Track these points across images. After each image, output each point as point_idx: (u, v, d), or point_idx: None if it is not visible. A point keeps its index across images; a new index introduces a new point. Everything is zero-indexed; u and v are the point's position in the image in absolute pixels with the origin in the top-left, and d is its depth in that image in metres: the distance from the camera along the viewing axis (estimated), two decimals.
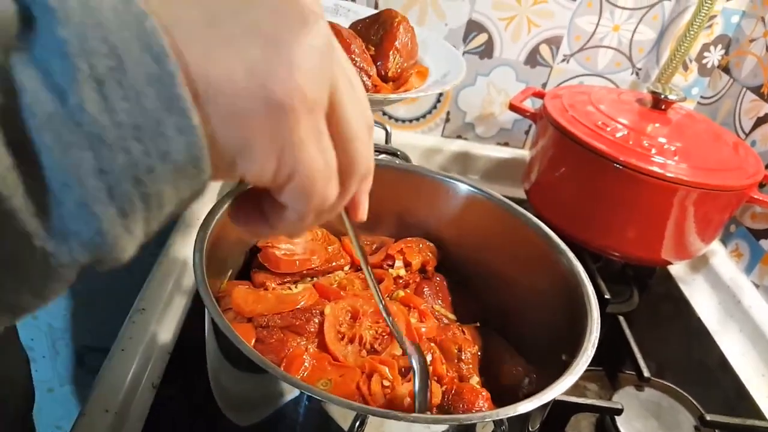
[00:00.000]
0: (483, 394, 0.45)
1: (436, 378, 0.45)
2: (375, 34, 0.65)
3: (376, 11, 0.70)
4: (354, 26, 0.67)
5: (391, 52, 0.63)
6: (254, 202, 0.26)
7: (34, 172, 0.16)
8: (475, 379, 0.48)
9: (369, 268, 0.38)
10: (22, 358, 0.65)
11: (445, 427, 0.35)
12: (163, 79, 0.17)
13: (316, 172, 0.23)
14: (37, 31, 0.16)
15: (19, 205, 0.16)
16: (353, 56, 0.58)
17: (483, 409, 0.43)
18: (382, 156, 0.77)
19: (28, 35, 0.16)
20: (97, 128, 0.16)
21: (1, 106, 0.15)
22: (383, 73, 0.64)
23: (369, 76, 0.59)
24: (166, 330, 0.61)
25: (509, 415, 0.35)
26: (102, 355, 0.57)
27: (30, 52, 0.16)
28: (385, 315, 0.39)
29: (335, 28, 0.60)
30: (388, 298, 0.53)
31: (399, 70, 0.65)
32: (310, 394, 0.36)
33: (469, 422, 0.35)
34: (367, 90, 0.58)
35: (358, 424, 0.35)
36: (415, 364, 0.41)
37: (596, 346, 0.42)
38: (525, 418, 0.38)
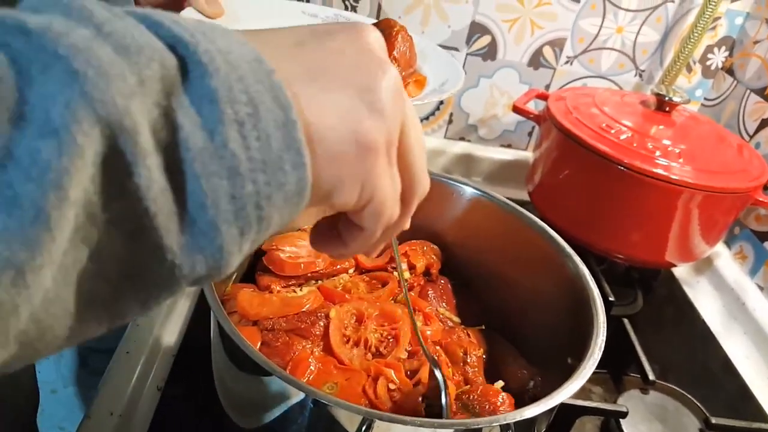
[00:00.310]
0: (503, 396, 0.45)
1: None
2: None
3: (375, 21, 0.70)
4: None
5: None
6: (330, 227, 0.30)
7: (179, 196, 0.19)
8: (500, 384, 0.48)
9: (407, 291, 0.40)
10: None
11: (451, 431, 0.35)
12: (288, 125, 0.21)
13: (388, 197, 0.26)
14: (191, 81, 0.19)
15: (164, 223, 0.19)
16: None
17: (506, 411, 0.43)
18: None
19: (185, 84, 0.19)
20: (235, 161, 0.19)
21: (164, 140, 0.19)
22: None
23: None
24: (171, 332, 0.61)
25: (516, 420, 0.35)
26: (105, 356, 0.57)
27: (187, 97, 0.19)
28: (420, 341, 0.40)
29: None
30: (392, 301, 0.53)
31: None
32: (316, 398, 0.36)
33: (476, 426, 0.35)
34: None
35: (364, 428, 0.35)
36: (440, 378, 0.42)
37: (602, 350, 0.42)
38: (532, 422, 0.38)
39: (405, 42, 0.64)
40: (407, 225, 0.30)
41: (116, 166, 0.17)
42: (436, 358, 0.44)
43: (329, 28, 0.26)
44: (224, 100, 0.19)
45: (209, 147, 0.19)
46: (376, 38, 0.26)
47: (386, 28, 0.64)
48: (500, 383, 0.48)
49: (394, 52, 0.62)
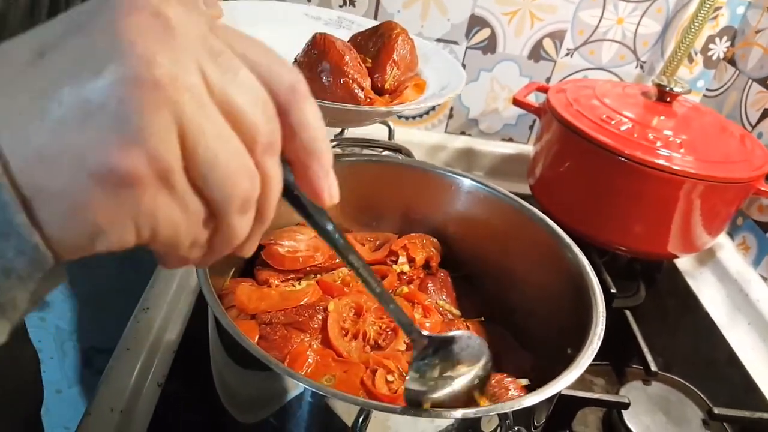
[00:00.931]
0: (517, 381, 0.44)
1: None
2: (374, 46, 0.64)
3: (375, 21, 0.70)
4: (354, 38, 0.66)
5: (388, 65, 0.62)
6: None
7: None
8: (524, 381, 0.47)
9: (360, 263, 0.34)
10: (31, 359, 0.65)
11: (450, 421, 0.35)
12: (2, 209, 0.18)
13: (178, 228, 0.21)
14: None
15: None
16: (346, 68, 0.57)
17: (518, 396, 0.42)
18: (386, 152, 0.77)
19: None
20: None
21: None
22: (380, 85, 0.63)
23: (362, 89, 0.58)
24: (171, 329, 0.61)
25: (514, 409, 0.35)
26: (110, 356, 0.57)
27: None
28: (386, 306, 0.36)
29: (329, 38, 0.59)
30: (391, 294, 0.52)
31: (396, 83, 0.64)
32: (314, 390, 0.35)
33: (474, 416, 0.34)
34: (360, 103, 0.58)
35: (362, 419, 0.34)
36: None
37: (602, 339, 0.41)
38: (530, 411, 0.38)
39: (405, 45, 0.63)
40: (241, 237, 0.24)
41: None
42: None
43: (88, 16, 0.20)
44: None
45: None
46: (139, 20, 0.19)
47: (386, 30, 0.64)
48: (525, 381, 0.47)
49: (394, 55, 0.62)
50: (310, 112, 0.24)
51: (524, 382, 0.47)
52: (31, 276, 0.19)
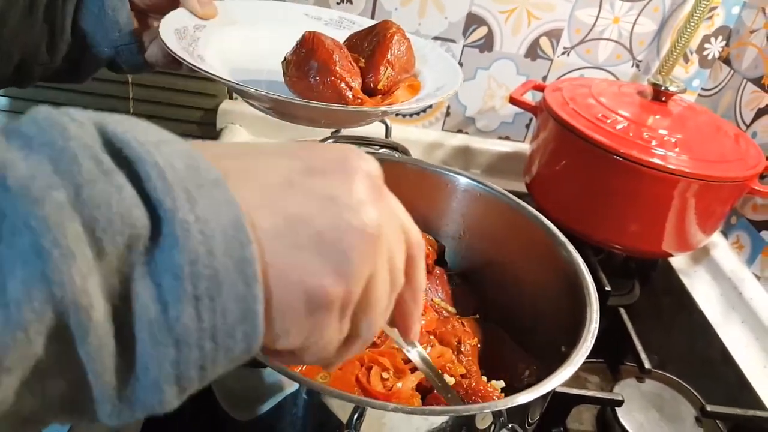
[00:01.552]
0: (493, 383, 0.45)
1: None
2: (368, 46, 0.63)
3: (373, 21, 0.68)
4: (350, 38, 0.65)
5: (382, 65, 0.60)
6: None
7: (126, 356, 0.19)
8: (500, 383, 0.48)
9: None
10: None
11: (444, 418, 0.35)
12: (248, 300, 0.21)
13: (329, 345, 0.26)
14: (160, 250, 0.19)
15: (108, 380, 0.19)
16: (334, 68, 0.56)
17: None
18: (383, 150, 0.77)
19: (153, 250, 0.19)
20: (184, 333, 0.20)
21: (119, 307, 0.19)
22: (373, 85, 0.61)
23: (350, 88, 0.57)
24: None
25: (508, 406, 0.35)
26: None
27: (150, 267, 0.19)
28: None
29: (318, 37, 0.57)
30: None
31: (391, 83, 0.61)
32: (308, 387, 0.36)
33: (467, 413, 0.35)
34: (349, 103, 0.56)
35: (356, 416, 0.35)
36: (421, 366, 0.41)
37: (596, 336, 0.42)
38: (524, 409, 0.38)
39: (401, 45, 0.62)
40: (357, 351, 0.29)
41: (67, 337, 0.18)
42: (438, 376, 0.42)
43: (325, 165, 0.25)
44: (186, 276, 0.19)
45: (161, 320, 0.19)
46: (367, 185, 0.25)
47: (382, 30, 0.63)
48: (501, 383, 0.48)
49: (388, 56, 0.61)
50: (422, 269, 0.29)
51: (501, 384, 0.48)
52: (239, 358, 0.22)
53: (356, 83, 0.58)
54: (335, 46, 0.58)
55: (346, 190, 0.24)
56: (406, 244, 0.28)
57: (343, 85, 0.56)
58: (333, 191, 0.24)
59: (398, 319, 0.31)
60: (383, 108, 0.57)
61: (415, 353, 0.39)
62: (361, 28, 0.67)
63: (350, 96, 0.56)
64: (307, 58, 0.57)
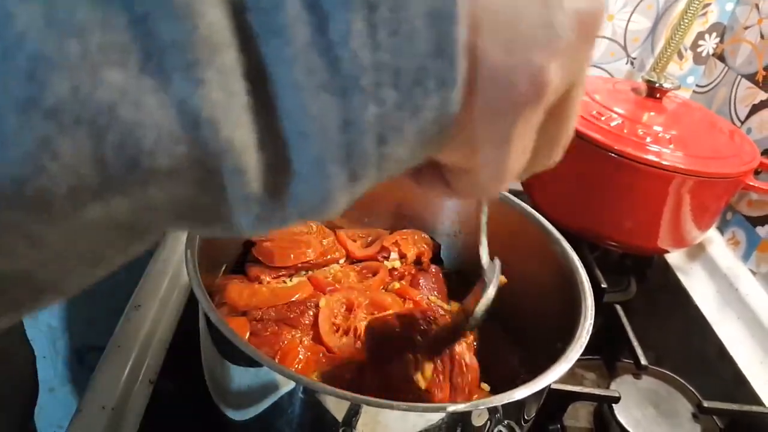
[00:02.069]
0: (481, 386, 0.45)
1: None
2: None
3: None
4: None
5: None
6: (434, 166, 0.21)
7: (270, 120, 0.13)
8: (485, 387, 0.48)
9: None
10: (28, 355, 0.65)
11: (441, 415, 0.35)
12: (443, 18, 0.14)
13: (513, 161, 0.19)
14: None
15: (251, 163, 0.13)
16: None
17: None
18: None
19: None
20: (355, 69, 0.13)
21: (244, 28, 0.12)
22: None
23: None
24: (163, 326, 0.61)
25: (503, 402, 0.35)
26: (102, 353, 0.57)
27: None
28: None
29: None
30: (383, 291, 0.53)
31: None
32: (305, 386, 0.36)
33: (463, 410, 0.35)
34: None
35: (353, 414, 0.35)
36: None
37: (591, 333, 0.42)
38: (520, 405, 0.38)
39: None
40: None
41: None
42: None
43: None
44: None
45: (318, 42, 0.13)
46: None
47: None
48: (486, 387, 0.48)
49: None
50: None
51: (486, 387, 0.47)
52: (425, 134, 0.15)
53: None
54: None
55: None
56: None
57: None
58: None
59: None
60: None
61: None
62: None
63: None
64: None
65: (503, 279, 0.43)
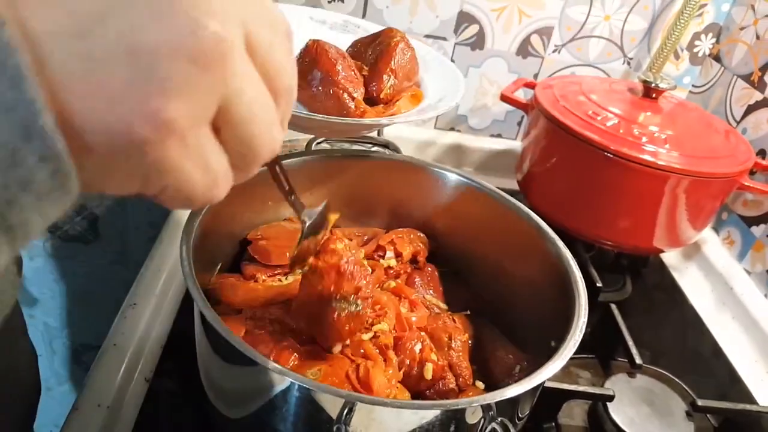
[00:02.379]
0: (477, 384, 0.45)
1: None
2: (372, 54, 0.61)
3: (382, 28, 0.65)
4: (354, 45, 0.64)
5: (385, 74, 0.59)
6: None
7: None
8: (480, 385, 0.48)
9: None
10: (30, 354, 0.65)
11: (436, 412, 0.35)
12: (21, 107, 0.16)
13: (195, 183, 0.21)
14: None
15: None
16: (337, 78, 0.55)
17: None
18: (375, 148, 0.77)
19: None
20: None
21: None
22: (375, 95, 0.60)
23: (353, 99, 0.55)
24: (159, 324, 0.61)
25: (496, 400, 0.35)
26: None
27: None
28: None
29: (322, 46, 0.56)
30: (378, 289, 0.53)
31: (393, 93, 0.60)
32: (299, 384, 0.36)
33: (456, 407, 0.35)
34: (351, 115, 0.55)
35: (347, 411, 0.35)
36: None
37: (585, 331, 0.42)
38: (514, 403, 0.38)
39: (405, 53, 0.61)
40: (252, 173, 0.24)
41: None
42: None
43: None
44: None
45: None
46: None
47: (386, 37, 0.61)
48: (481, 385, 0.49)
49: (392, 64, 0.59)
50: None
51: (481, 385, 0.48)
52: (49, 194, 0.17)
53: (359, 93, 0.56)
54: (339, 56, 0.57)
55: None
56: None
57: (345, 96, 0.55)
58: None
59: None
60: (384, 120, 0.56)
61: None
62: (367, 33, 0.65)
63: (352, 107, 0.55)
64: (310, 68, 0.56)
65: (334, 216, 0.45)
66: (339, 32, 0.68)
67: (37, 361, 0.66)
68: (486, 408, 0.36)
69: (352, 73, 0.57)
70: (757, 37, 0.85)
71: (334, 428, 0.35)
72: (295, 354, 0.43)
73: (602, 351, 0.67)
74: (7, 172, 0.16)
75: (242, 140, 0.22)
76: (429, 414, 0.35)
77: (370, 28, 0.68)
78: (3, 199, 0.16)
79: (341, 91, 0.55)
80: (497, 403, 0.36)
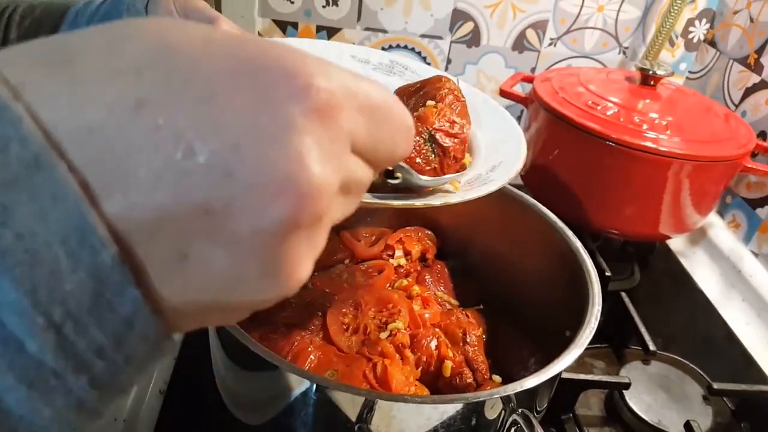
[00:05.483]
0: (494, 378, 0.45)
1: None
2: (414, 108, 0.48)
3: (434, 73, 0.54)
4: (398, 92, 0.52)
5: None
6: None
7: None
8: (498, 379, 0.48)
9: None
10: None
11: (458, 406, 0.35)
12: (125, 306, 0.16)
13: (312, 258, 0.19)
14: None
15: None
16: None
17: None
18: None
19: None
20: (59, 362, 0.15)
21: None
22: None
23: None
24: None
25: (516, 391, 0.35)
26: None
27: None
28: None
29: None
30: (389, 288, 0.53)
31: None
32: (318, 384, 0.36)
33: (476, 400, 0.35)
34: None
35: (367, 410, 0.35)
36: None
37: (599, 319, 0.42)
38: (533, 394, 0.38)
39: (454, 108, 0.47)
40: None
41: None
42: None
43: (212, 79, 0.16)
44: (30, 311, 0.15)
45: (20, 359, 0.15)
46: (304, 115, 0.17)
47: (431, 89, 0.49)
48: (498, 379, 0.49)
49: (436, 124, 0.45)
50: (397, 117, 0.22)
51: (498, 379, 0.48)
52: (150, 358, 0.18)
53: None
54: None
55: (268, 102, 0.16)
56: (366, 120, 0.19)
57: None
58: (226, 157, 0.16)
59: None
60: (418, 202, 0.41)
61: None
62: (415, 75, 0.55)
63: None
64: None
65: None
66: (384, 74, 0.58)
67: None
68: (506, 400, 0.36)
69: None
70: (752, 20, 0.85)
71: (356, 428, 0.35)
72: (311, 357, 0.43)
73: (615, 340, 0.67)
74: (115, 354, 0.16)
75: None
76: (450, 408, 0.35)
77: (420, 70, 0.59)
78: (111, 373, 0.16)
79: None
80: (517, 395, 0.36)
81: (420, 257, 0.58)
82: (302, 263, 0.18)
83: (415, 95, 0.50)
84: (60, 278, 0.15)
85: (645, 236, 0.78)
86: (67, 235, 0.15)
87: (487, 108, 0.53)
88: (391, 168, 0.36)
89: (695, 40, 0.97)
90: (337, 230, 0.59)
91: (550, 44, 0.95)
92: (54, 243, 0.15)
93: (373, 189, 0.36)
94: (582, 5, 0.92)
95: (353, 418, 0.36)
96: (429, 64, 0.95)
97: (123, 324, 0.16)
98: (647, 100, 0.76)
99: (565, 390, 0.55)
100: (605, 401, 0.60)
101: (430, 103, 0.45)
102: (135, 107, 0.15)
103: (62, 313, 0.15)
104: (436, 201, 0.40)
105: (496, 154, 0.47)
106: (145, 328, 0.16)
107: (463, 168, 0.44)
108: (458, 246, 0.61)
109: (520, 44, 0.95)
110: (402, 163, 0.37)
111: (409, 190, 0.40)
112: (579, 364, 0.64)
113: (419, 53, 0.94)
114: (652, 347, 0.62)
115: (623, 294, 0.69)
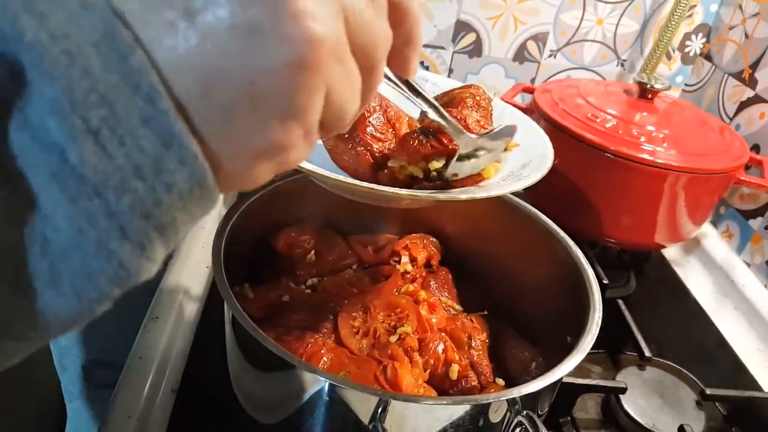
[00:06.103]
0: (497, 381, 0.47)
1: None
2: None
3: (458, 85, 0.55)
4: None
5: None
6: None
7: (48, 223, 0.17)
8: (501, 382, 0.50)
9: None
10: (55, 384, 0.65)
11: (467, 407, 0.37)
12: (157, 119, 0.17)
13: (346, 101, 0.22)
14: (28, 88, 0.16)
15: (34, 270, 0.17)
16: (383, 143, 0.44)
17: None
18: None
19: (22, 92, 0.16)
20: (99, 176, 0.17)
21: (10, 165, 0.16)
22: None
23: (374, 159, 0.43)
24: (181, 336, 0.63)
25: (522, 394, 0.37)
26: (110, 369, 0.58)
27: (24, 111, 0.16)
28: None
29: (382, 104, 0.46)
30: (396, 292, 0.55)
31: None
32: (333, 383, 0.37)
33: (485, 401, 0.36)
34: (367, 177, 0.44)
35: (380, 409, 0.36)
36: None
37: (599, 325, 0.44)
38: (536, 397, 0.40)
39: (482, 110, 0.49)
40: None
41: None
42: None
43: None
44: (68, 110, 0.16)
45: (63, 169, 0.16)
46: None
47: (459, 95, 0.50)
48: (502, 382, 0.51)
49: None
50: (410, 6, 0.24)
51: (501, 382, 0.50)
52: (191, 193, 0.19)
53: (378, 147, 0.44)
54: (397, 118, 0.46)
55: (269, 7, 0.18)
56: None
57: (362, 149, 0.43)
58: (253, 15, 0.18)
59: (393, 61, 0.26)
60: (413, 193, 0.41)
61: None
62: (437, 88, 0.56)
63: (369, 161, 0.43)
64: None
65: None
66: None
67: (62, 390, 0.67)
68: (512, 402, 0.38)
69: (386, 126, 0.45)
70: (746, 36, 0.88)
71: (370, 426, 0.37)
72: (324, 358, 0.45)
73: (612, 345, 0.69)
74: (154, 177, 0.17)
75: (334, 127, 0.23)
76: (459, 410, 0.37)
77: (442, 83, 0.58)
78: (152, 200, 0.18)
79: (362, 146, 0.43)
80: (522, 397, 0.38)
81: (425, 263, 0.60)
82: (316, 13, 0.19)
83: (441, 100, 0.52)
84: (93, 78, 0.16)
85: (641, 245, 0.80)
86: (98, 40, 0.16)
87: (508, 114, 0.57)
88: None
89: (692, 54, 0.99)
90: (345, 236, 0.61)
91: (550, 56, 0.97)
92: (86, 45, 0.16)
93: (417, 185, 0.39)
94: (582, 18, 0.94)
95: (367, 418, 0.38)
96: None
97: (159, 142, 0.17)
98: (645, 113, 0.78)
99: (564, 394, 0.56)
100: (602, 405, 0.62)
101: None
102: None
103: (99, 118, 0.16)
104: (479, 194, 0.42)
105: (525, 154, 0.50)
106: (181, 151, 0.18)
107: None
108: (461, 253, 0.62)
109: (520, 55, 0.97)
110: (450, 119, 0.39)
111: (449, 186, 0.42)
112: (577, 369, 0.65)
113: (422, 62, 0.96)
114: (647, 353, 0.64)
115: (620, 301, 0.71)
